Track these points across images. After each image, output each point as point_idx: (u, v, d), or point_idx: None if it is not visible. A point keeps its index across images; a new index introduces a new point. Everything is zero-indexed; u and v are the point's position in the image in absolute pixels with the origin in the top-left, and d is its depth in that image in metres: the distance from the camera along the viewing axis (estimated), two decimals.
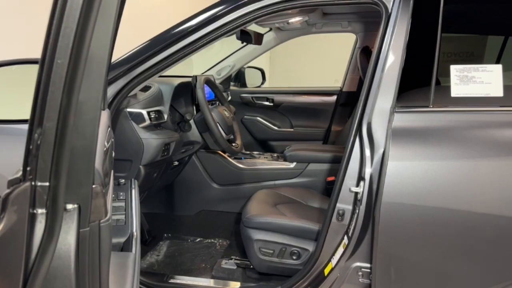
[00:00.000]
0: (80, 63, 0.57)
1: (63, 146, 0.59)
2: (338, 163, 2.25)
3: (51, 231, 0.62)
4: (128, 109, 1.73)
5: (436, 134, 1.41)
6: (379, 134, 1.45)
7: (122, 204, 1.21)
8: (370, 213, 1.46)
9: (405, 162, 1.38)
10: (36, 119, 0.57)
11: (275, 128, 3.16)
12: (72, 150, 0.60)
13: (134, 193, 1.26)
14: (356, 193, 1.51)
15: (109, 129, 1.21)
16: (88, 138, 0.61)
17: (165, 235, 2.40)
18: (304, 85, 3.41)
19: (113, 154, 1.16)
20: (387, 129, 1.43)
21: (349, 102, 3.02)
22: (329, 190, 2.25)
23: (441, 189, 1.36)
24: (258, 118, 3.17)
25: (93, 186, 0.67)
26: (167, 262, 2.16)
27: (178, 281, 1.84)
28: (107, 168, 0.98)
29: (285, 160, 2.43)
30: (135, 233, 1.12)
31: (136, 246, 1.07)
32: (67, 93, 0.57)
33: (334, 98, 3.08)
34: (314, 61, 4.95)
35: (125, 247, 1.09)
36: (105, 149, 1.03)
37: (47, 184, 0.60)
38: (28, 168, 0.58)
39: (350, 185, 1.53)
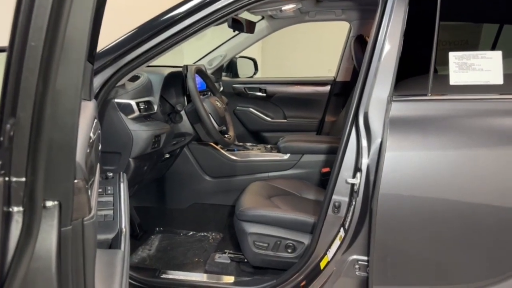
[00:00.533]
0: (56, 47, 0.52)
1: (40, 138, 0.53)
2: (333, 154, 2.25)
3: (29, 230, 0.57)
4: (116, 100, 1.67)
5: (434, 123, 1.37)
6: (376, 124, 1.42)
7: (110, 198, 1.16)
8: (367, 205, 1.42)
9: (403, 152, 1.35)
10: (6, 109, 0.52)
11: (268, 119, 3.12)
12: (50, 142, 0.55)
13: (123, 187, 1.20)
14: (353, 185, 1.48)
15: (95, 120, 1.15)
16: (68, 130, 0.56)
17: (157, 229, 2.37)
18: (297, 75, 3.35)
19: (100, 147, 1.10)
20: (384, 119, 1.39)
21: (343, 92, 2.97)
22: (324, 181, 2.26)
23: (440, 179, 1.33)
24: (251, 109, 3.12)
25: (75, 181, 0.62)
26: (159, 257, 2.12)
27: (170, 276, 1.80)
28: (93, 161, 0.92)
29: (278, 151, 2.39)
30: (124, 229, 1.07)
31: (125, 243, 1.02)
32: (43, 79, 0.52)
33: (327, 88, 3.02)
34: (307, 51, 4.88)
35: (113, 243, 1.04)
36: (90, 141, 0.98)
37: (23, 179, 0.55)
38: (0, 162, 0.53)
39: (346, 177, 1.49)
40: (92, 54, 1.27)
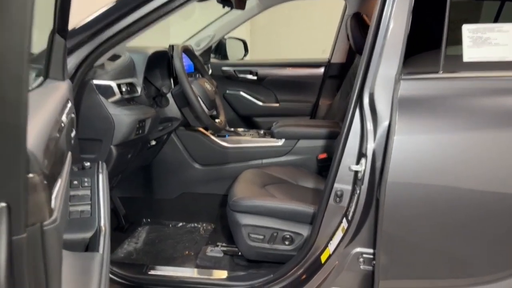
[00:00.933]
0: None
1: None
2: (330, 139, 2.20)
3: None
4: (95, 81, 1.52)
5: (447, 103, 1.26)
6: (383, 105, 1.30)
7: (87, 192, 1.02)
8: (373, 194, 1.32)
9: (413, 136, 1.24)
10: None
11: (260, 103, 3.00)
12: None
13: (102, 178, 1.06)
14: (356, 172, 1.38)
15: (68, 102, 1.00)
16: (12, 107, 0.41)
17: (144, 220, 2.27)
18: (290, 57, 3.22)
19: (74, 133, 0.95)
20: (392, 99, 1.28)
21: (338, 74, 2.87)
22: (321, 168, 2.17)
23: (454, 165, 1.22)
24: (241, 93, 2.99)
25: (29, 175, 0.48)
26: (146, 250, 2.03)
27: (159, 272, 1.68)
28: (63, 149, 0.78)
29: (272, 137, 2.27)
30: (103, 227, 0.93)
31: (104, 243, 0.89)
32: None
33: (321, 70, 2.91)
34: (299, 31, 4.70)
35: (91, 244, 0.90)
36: (62, 125, 0.83)
37: None
38: None
39: (349, 163, 1.39)
40: (63, 28, 1.11)
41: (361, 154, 1.36)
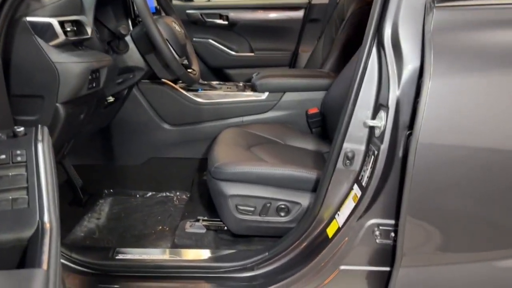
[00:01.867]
0: None
1: None
2: (321, 91, 1.94)
3: None
4: (29, 19, 1.16)
5: (498, 38, 1.02)
6: (410, 42, 1.06)
7: (22, 170, 0.70)
8: (395, 154, 1.10)
9: (453, 81, 1.00)
10: None
11: (232, 52, 2.75)
12: None
13: (44, 150, 0.74)
14: (373, 128, 1.16)
15: None
16: None
17: (106, 191, 2.05)
18: None
19: None
20: (423, 33, 1.04)
21: (320, 17, 2.62)
22: (312, 124, 1.97)
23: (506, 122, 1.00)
24: (211, 41, 2.72)
25: None
26: (111, 228, 1.79)
27: (129, 256, 1.42)
28: None
29: (254, 90, 2.03)
30: (48, 224, 0.63)
31: (51, 249, 0.59)
32: None
33: (301, 13, 2.66)
34: None
35: (30, 250, 0.60)
36: None
37: None
38: None
39: (363, 118, 1.17)
40: None
41: (379, 106, 1.14)
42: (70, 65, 1.22)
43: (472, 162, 1.03)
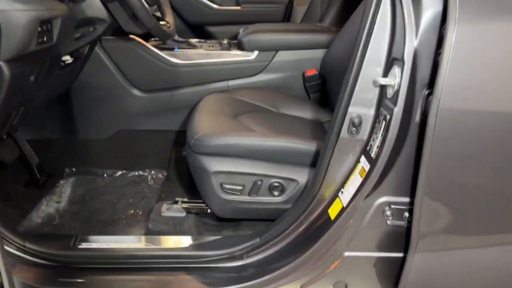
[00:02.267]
0: None
1: None
2: (320, 49, 1.93)
3: None
4: None
5: None
6: None
7: None
8: (411, 119, 1.09)
9: (484, 28, 0.98)
10: None
11: (215, 6, 2.78)
12: None
13: None
14: (384, 88, 1.14)
15: None
16: None
17: (67, 170, 2.07)
18: None
19: None
20: None
21: None
22: (309, 89, 1.99)
23: None
24: None
25: None
26: (73, 212, 1.80)
27: (94, 245, 1.41)
28: None
29: (240, 48, 2.04)
30: None
31: None
32: None
33: None
34: None
35: None
36: None
37: None
38: None
39: (373, 75, 1.15)
40: None
41: (392, 61, 1.11)
42: (14, 13, 1.16)
43: (505, 130, 1.01)
